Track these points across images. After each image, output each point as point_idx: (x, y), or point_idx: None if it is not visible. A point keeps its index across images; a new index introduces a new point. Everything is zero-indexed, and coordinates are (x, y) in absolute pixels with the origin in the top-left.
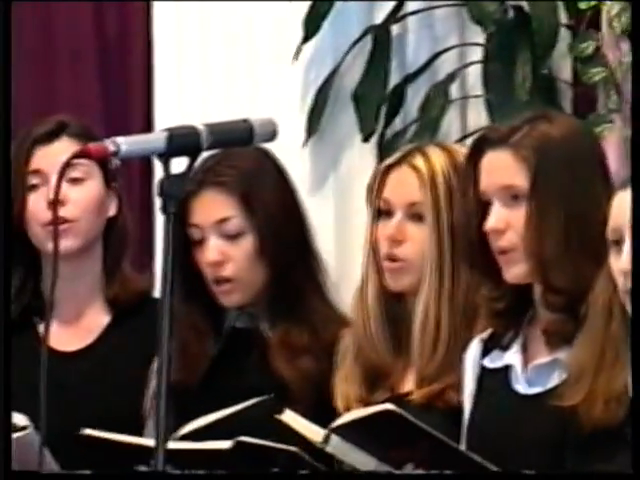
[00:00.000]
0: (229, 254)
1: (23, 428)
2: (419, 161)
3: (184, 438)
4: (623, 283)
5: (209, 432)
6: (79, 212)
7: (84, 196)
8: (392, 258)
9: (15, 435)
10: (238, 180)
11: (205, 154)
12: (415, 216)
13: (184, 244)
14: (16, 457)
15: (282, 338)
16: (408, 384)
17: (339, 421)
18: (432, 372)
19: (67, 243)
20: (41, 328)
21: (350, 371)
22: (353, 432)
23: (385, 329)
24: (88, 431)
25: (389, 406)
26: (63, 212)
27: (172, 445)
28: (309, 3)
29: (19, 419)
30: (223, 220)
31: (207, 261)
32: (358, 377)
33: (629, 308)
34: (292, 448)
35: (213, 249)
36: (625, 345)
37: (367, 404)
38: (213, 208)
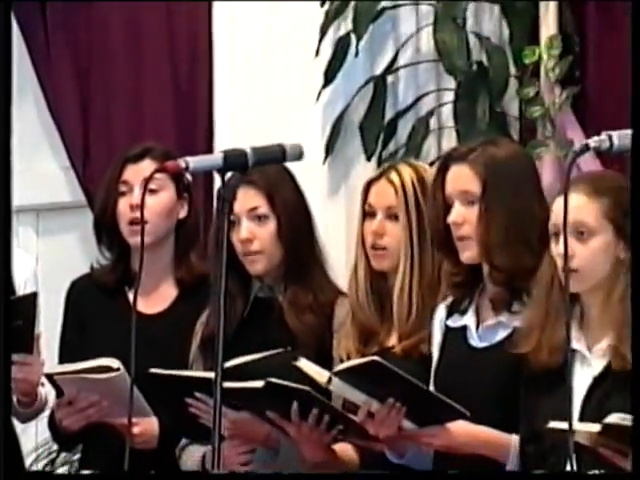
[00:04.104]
0: (256, 233)
1: (117, 369)
2: (393, 176)
3: (224, 372)
4: (561, 263)
5: (241, 373)
6: (152, 215)
7: (157, 203)
8: (375, 247)
9: (110, 375)
10: (265, 180)
11: None
12: (392, 216)
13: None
14: (111, 396)
15: (292, 299)
16: (392, 340)
17: (338, 367)
18: (407, 330)
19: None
20: (129, 295)
21: (349, 330)
22: (349, 376)
23: (372, 299)
24: (154, 370)
25: (375, 357)
26: (139, 214)
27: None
28: (328, 57)
29: (112, 362)
30: (253, 208)
31: (240, 238)
32: (355, 335)
33: (565, 283)
34: (306, 388)
35: (245, 229)
36: (562, 308)
37: (362, 355)
38: (246, 200)
